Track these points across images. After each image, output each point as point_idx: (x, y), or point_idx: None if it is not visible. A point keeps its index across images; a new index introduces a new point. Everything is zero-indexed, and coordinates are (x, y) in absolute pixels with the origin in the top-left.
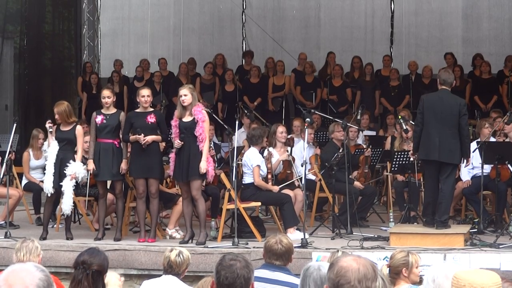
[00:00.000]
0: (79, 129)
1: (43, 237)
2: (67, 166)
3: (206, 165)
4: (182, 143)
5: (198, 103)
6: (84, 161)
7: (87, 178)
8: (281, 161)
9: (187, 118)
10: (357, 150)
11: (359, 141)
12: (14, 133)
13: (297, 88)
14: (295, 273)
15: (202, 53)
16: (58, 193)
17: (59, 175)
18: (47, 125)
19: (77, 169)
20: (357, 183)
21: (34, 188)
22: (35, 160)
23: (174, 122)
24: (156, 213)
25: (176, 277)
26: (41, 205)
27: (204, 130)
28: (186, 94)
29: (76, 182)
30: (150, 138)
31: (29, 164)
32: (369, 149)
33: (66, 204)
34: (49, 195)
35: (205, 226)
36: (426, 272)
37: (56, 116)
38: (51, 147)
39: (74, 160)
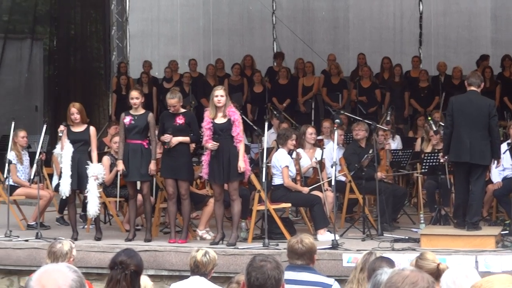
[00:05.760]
0: (92, 130)
1: (74, 238)
2: (86, 167)
3: (244, 164)
4: (218, 144)
5: (231, 104)
6: (114, 161)
7: (118, 179)
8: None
9: (220, 119)
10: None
11: (394, 145)
12: (44, 134)
13: (324, 90)
14: (326, 274)
15: (232, 54)
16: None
17: (78, 176)
18: (61, 128)
19: (97, 170)
20: (379, 174)
21: None
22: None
23: (206, 124)
24: (188, 214)
25: (204, 277)
26: (66, 207)
27: (241, 130)
28: (222, 95)
29: (99, 183)
30: (175, 139)
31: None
32: (389, 142)
33: (93, 206)
34: (64, 197)
35: (237, 227)
36: (445, 275)
37: (74, 116)
38: (65, 150)
39: (91, 161)
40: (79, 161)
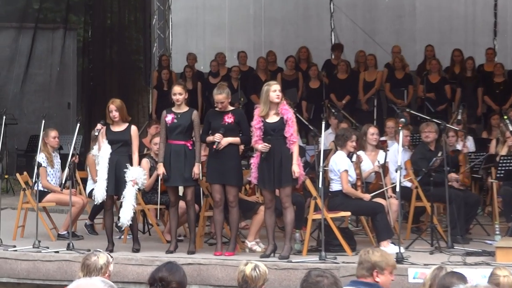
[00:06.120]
0: (134, 129)
1: (109, 250)
2: (125, 171)
3: (298, 168)
4: (270, 146)
5: (284, 101)
6: (154, 164)
7: (158, 184)
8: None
9: (273, 118)
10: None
11: (472, 147)
12: (77, 134)
13: (387, 85)
14: None
15: (286, 45)
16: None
17: (116, 180)
18: (98, 127)
19: (137, 174)
20: (453, 176)
21: None
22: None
23: (257, 124)
24: (236, 223)
25: None
26: (99, 212)
27: (295, 130)
28: (280, 90)
29: (138, 189)
30: (225, 140)
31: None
32: (466, 145)
33: (125, 214)
34: (97, 203)
35: (290, 238)
36: None
37: (113, 114)
38: (103, 151)
39: (131, 164)
40: (118, 164)
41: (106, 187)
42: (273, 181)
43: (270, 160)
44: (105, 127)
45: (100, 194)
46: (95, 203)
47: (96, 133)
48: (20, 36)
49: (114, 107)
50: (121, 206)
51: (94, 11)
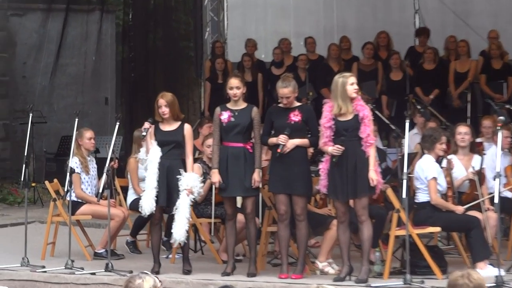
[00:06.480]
0: (188, 128)
1: (155, 271)
2: (178, 177)
3: (376, 175)
4: (342, 148)
5: (359, 96)
6: (207, 170)
7: (212, 195)
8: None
9: (346, 116)
10: None
11: None
12: (116, 135)
13: (482, 77)
14: None
15: (362, 30)
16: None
17: (168, 189)
18: (145, 126)
19: (192, 182)
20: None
21: None
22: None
23: (327, 122)
24: (304, 240)
25: None
26: (143, 227)
27: (372, 130)
28: (356, 83)
29: (194, 199)
30: (291, 143)
31: (138, 173)
32: None
33: (179, 229)
34: (145, 215)
35: (368, 258)
36: None
37: (163, 110)
38: (151, 154)
39: (185, 170)
40: (169, 169)
41: (156, 196)
42: (346, 190)
43: (343, 165)
44: (153, 126)
45: (148, 206)
46: (142, 215)
47: (144, 133)
48: (49, 20)
49: (164, 102)
50: (169, 220)
51: None
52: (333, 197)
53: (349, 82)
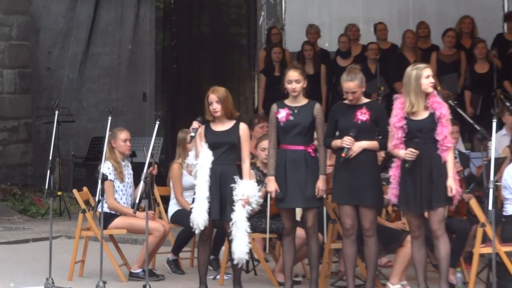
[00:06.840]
0: (244, 128)
1: None
2: (232, 186)
3: (454, 183)
4: (418, 152)
5: (435, 91)
6: (262, 177)
7: (267, 206)
8: None
9: (420, 114)
10: None
11: None
12: (156, 136)
13: None
14: None
15: (442, 15)
16: (219, 227)
17: (220, 199)
18: (194, 126)
19: (250, 191)
20: None
21: (187, 219)
22: (190, 177)
23: (398, 121)
24: (374, 259)
25: None
26: (186, 244)
27: (449, 131)
28: (433, 75)
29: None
30: (358, 146)
31: (182, 182)
32: None
33: (241, 246)
34: (198, 231)
35: (447, 279)
36: None
37: (214, 106)
38: (202, 159)
39: (240, 177)
40: (222, 176)
41: (209, 208)
42: (419, 201)
43: (416, 172)
44: (203, 126)
45: (202, 219)
46: (193, 231)
47: (192, 134)
48: (78, 3)
49: (215, 98)
50: (218, 234)
51: None
52: (404, 208)
53: (424, 75)
